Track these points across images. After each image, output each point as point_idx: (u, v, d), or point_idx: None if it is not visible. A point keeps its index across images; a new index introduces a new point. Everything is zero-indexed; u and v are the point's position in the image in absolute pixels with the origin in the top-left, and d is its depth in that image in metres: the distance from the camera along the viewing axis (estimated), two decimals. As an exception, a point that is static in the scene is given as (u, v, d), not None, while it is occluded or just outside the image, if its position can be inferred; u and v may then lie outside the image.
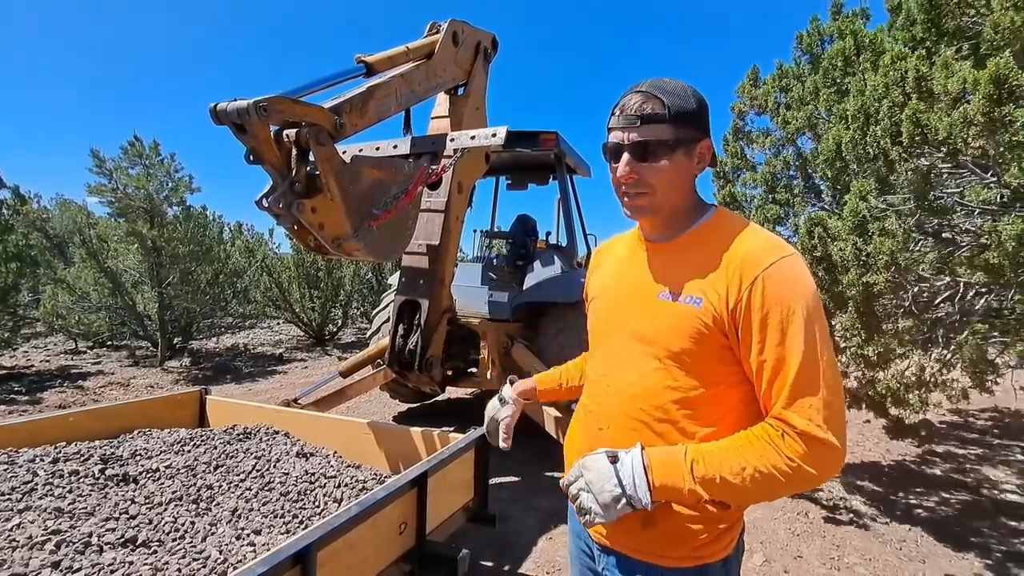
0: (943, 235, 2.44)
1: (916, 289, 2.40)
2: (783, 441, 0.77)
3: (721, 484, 0.78)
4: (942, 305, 2.47)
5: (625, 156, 0.88)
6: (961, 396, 2.86)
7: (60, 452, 1.81)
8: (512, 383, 1.31)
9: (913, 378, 2.81)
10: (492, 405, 1.30)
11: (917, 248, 2.42)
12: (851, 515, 3.14)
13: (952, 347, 2.40)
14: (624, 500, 0.79)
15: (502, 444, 1.26)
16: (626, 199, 0.92)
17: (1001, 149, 1.85)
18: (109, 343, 8.05)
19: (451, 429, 2.03)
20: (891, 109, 2.04)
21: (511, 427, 1.26)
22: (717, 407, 0.87)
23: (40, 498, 1.52)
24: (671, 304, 0.89)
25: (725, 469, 0.78)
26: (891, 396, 2.80)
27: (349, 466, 1.95)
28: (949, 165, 2.10)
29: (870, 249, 2.23)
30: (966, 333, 2.32)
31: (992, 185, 2.04)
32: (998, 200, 2.01)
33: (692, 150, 0.90)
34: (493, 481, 1.93)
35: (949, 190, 2.24)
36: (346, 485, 1.77)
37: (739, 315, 0.82)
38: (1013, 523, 3.05)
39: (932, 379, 2.78)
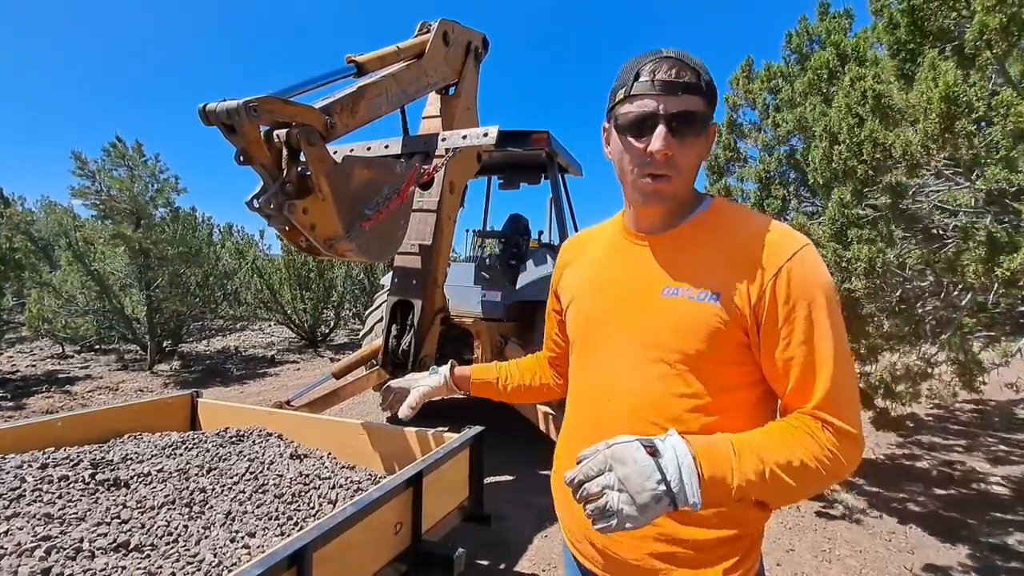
0: (931, 230, 2.49)
1: (900, 292, 2.45)
2: (824, 434, 0.72)
3: (771, 479, 0.69)
4: (929, 299, 2.51)
5: (662, 129, 0.75)
6: (950, 396, 2.92)
7: (49, 457, 1.78)
8: (452, 367, 1.25)
9: (901, 372, 2.86)
10: (418, 374, 1.25)
11: (904, 244, 2.46)
12: (842, 509, 3.19)
13: (938, 345, 2.45)
14: (667, 500, 0.65)
15: (403, 411, 1.15)
16: (647, 180, 0.80)
17: (970, 155, 1.90)
18: (97, 347, 7.95)
19: (445, 429, 2.03)
20: (851, 130, 2.08)
21: (423, 400, 1.19)
22: (732, 412, 0.79)
23: (29, 504, 1.49)
24: (681, 301, 0.79)
25: (771, 461, 0.69)
26: (883, 387, 2.85)
27: (343, 467, 1.95)
28: (918, 179, 2.15)
29: (849, 256, 2.27)
30: (952, 331, 2.37)
31: (967, 189, 2.08)
32: (973, 204, 2.06)
33: (711, 131, 0.82)
34: (488, 480, 1.93)
35: (928, 190, 2.29)
36: (341, 486, 1.76)
37: (762, 310, 0.75)
38: (999, 514, 3.11)
39: (919, 374, 2.83)
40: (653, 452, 0.67)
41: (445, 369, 1.23)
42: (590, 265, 0.98)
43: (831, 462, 0.71)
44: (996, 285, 1.95)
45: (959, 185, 2.14)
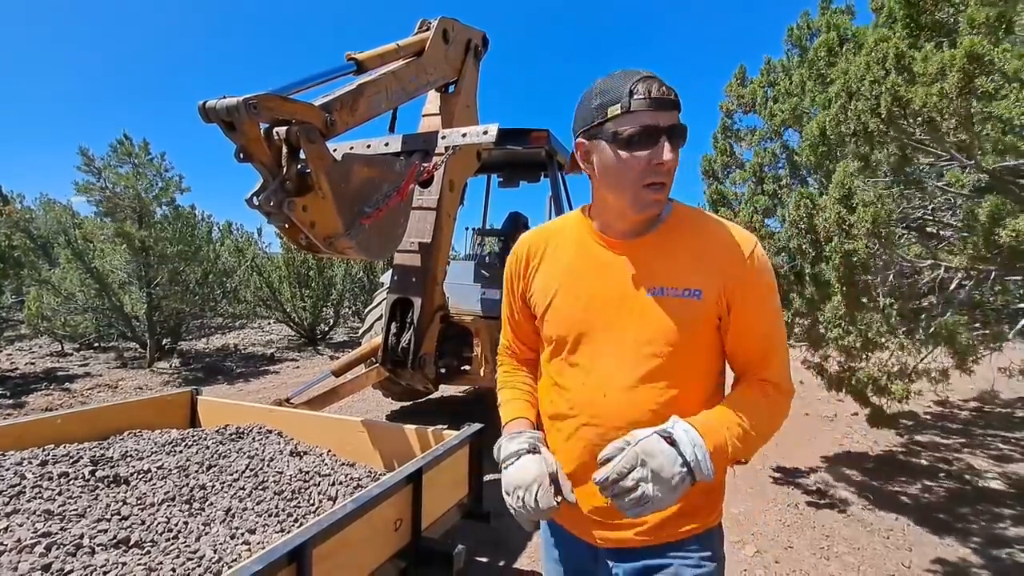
0: (927, 228, 2.49)
1: (897, 268, 2.45)
2: (776, 394, 0.91)
3: (747, 438, 0.84)
4: (926, 295, 2.52)
5: (666, 142, 0.83)
6: (942, 377, 2.93)
7: (48, 455, 1.78)
8: (517, 431, 0.99)
9: (895, 368, 2.87)
10: (528, 462, 0.91)
11: (902, 240, 2.47)
12: (840, 506, 3.20)
13: (932, 330, 2.46)
14: (689, 479, 0.78)
15: (572, 497, 0.89)
16: (653, 191, 0.86)
17: (978, 129, 1.91)
18: (96, 345, 7.94)
19: (445, 426, 2.04)
20: (872, 85, 2.12)
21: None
22: (705, 393, 0.92)
23: (29, 501, 1.50)
24: (667, 300, 0.89)
25: (747, 424, 0.84)
26: (872, 384, 2.86)
27: (343, 464, 1.95)
28: (927, 139, 2.14)
29: (853, 219, 2.30)
30: (947, 316, 2.38)
31: (971, 170, 2.09)
32: (974, 184, 2.07)
33: None
34: (488, 478, 1.94)
35: (926, 170, 2.30)
36: (340, 483, 1.77)
37: (732, 297, 0.89)
38: (995, 509, 3.13)
39: (914, 367, 2.85)
40: (671, 441, 0.78)
41: (532, 436, 0.96)
42: (562, 267, 0.99)
43: (781, 414, 0.92)
44: (996, 264, 1.96)
45: (963, 164, 2.14)
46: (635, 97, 0.82)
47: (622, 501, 0.76)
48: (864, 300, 2.54)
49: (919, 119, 1.96)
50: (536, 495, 0.87)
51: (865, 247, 2.30)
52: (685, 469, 0.77)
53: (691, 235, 0.92)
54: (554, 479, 0.88)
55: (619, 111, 0.83)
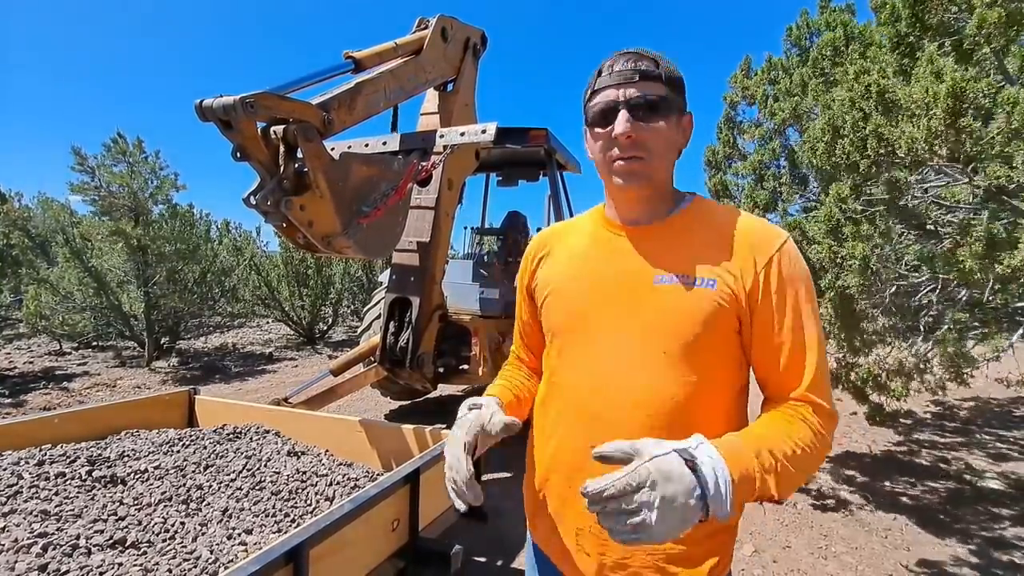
0: (926, 227, 2.49)
1: (894, 288, 2.46)
2: (814, 417, 0.77)
3: (782, 471, 0.70)
4: (927, 295, 2.52)
5: (623, 113, 0.79)
6: (939, 388, 2.94)
7: (46, 454, 1.78)
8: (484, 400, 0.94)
9: (895, 365, 2.87)
10: (470, 415, 0.87)
11: (901, 240, 2.46)
12: (838, 505, 3.20)
13: (931, 341, 2.46)
14: (701, 514, 0.63)
15: (501, 425, 0.84)
16: (620, 163, 0.82)
17: (974, 151, 1.90)
18: (94, 344, 7.92)
19: (443, 426, 2.03)
20: (855, 124, 2.11)
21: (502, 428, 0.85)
22: (723, 401, 0.82)
23: (25, 501, 1.49)
24: (676, 288, 0.80)
25: (780, 455, 0.71)
26: (872, 380, 2.86)
27: (341, 464, 1.95)
28: (918, 176, 2.15)
29: (844, 252, 2.30)
30: (945, 327, 2.38)
31: (965, 186, 2.09)
32: (970, 200, 2.07)
33: (679, 119, 0.85)
34: (485, 477, 1.93)
35: (927, 185, 2.30)
36: (338, 483, 1.77)
37: (756, 297, 0.79)
38: (994, 509, 3.13)
39: (912, 368, 2.85)
40: (692, 465, 0.65)
41: (491, 400, 0.93)
42: (569, 257, 0.94)
43: (823, 444, 0.76)
44: (992, 282, 1.96)
45: (957, 181, 2.15)
46: (601, 76, 0.83)
47: (616, 523, 0.62)
48: (863, 325, 2.55)
49: (907, 159, 1.96)
50: (467, 430, 0.85)
51: (858, 283, 2.29)
52: (701, 504, 0.62)
53: (710, 226, 0.85)
54: (500, 422, 0.83)
55: (589, 93, 0.84)
